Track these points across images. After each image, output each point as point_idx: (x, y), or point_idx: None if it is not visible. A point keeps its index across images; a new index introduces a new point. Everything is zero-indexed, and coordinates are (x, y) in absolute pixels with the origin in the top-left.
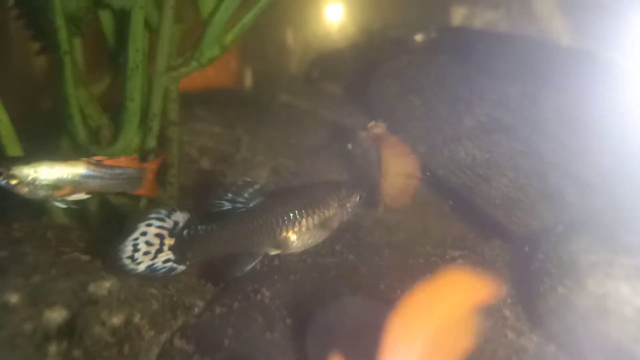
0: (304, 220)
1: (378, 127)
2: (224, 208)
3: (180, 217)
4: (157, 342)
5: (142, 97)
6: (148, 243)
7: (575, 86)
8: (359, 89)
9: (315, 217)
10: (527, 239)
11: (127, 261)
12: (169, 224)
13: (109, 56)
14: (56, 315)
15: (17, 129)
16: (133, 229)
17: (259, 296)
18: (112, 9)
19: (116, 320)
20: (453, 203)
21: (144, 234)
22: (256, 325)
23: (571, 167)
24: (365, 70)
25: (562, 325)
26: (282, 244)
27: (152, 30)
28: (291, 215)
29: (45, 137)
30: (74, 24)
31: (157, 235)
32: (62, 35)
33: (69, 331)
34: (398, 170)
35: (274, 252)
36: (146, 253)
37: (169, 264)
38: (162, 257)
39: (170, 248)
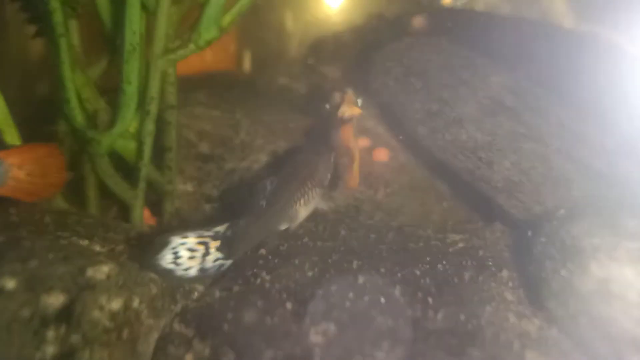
0: (310, 192)
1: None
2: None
3: (222, 227)
4: (156, 327)
5: (139, 80)
6: (191, 250)
7: (577, 68)
8: (360, 72)
9: (317, 187)
10: (529, 222)
11: (171, 266)
12: (210, 233)
13: (106, 39)
14: (54, 300)
15: (13, 113)
16: (167, 241)
17: (258, 280)
18: None
19: (115, 304)
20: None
21: (183, 243)
22: (256, 309)
23: (574, 150)
24: (366, 52)
25: (564, 309)
26: (294, 217)
27: (149, 12)
28: (302, 189)
29: (42, 121)
30: (69, 6)
31: (201, 242)
32: (58, 17)
33: (67, 316)
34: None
35: (284, 227)
36: (192, 258)
37: (219, 262)
38: (211, 258)
39: (218, 249)
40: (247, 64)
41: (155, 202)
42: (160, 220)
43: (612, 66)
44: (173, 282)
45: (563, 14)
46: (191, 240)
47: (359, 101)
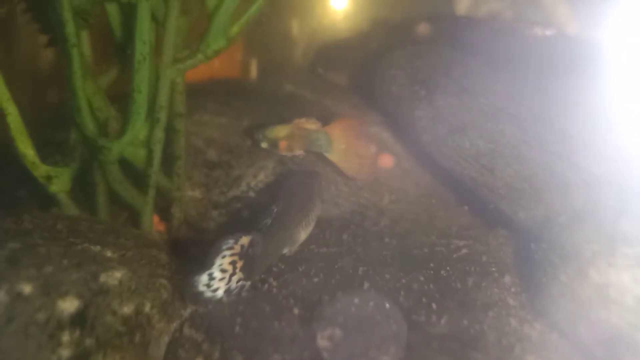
0: (309, 214)
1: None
2: None
3: (246, 239)
4: (167, 331)
5: (149, 89)
6: (223, 270)
7: (579, 75)
8: (365, 79)
9: (314, 210)
10: (531, 228)
11: (203, 288)
12: (237, 249)
13: (116, 48)
14: (68, 305)
15: (26, 121)
16: (210, 264)
17: (266, 286)
18: (119, 2)
19: (127, 309)
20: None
21: (220, 264)
22: (264, 314)
23: (575, 156)
24: (371, 60)
25: (564, 314)
26: (296, 241)
27: (158, 22)
28: (303, 212)
29: (54, 129)
30: (81, 17)
31: (231, 263)
32: (70, 28)
33: (81, 320)
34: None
35: (285, 251)
36: (222, 279)
37: (241, 283)
38: (236, 278)
39: (241, 269)
40: (253, 71)
41: (164, 208)
42: (169, 226)
43: (614, 73)
44: (199, 304)
45: (566, 20)
46: (225, 260)
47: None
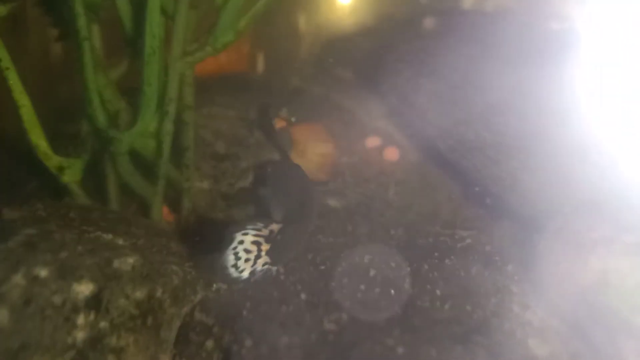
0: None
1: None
2: None
3: (276, 227)
4: (178, 315)
5: (158, 82)
6: (247, 251)
7: (589, 69)
8: (371, 73)
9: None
10: (535, 219)
11: (232, 270)
12: (265, 232)
13: (126, 42)
14: (84, 289)
15: (38, 113)
16: (231, 239)
17: (274, 273)
18: None
19: (139, 294)
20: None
21: (241, 242)
22: (272, 299)
23: (580, 148)
24: (377, 54)
25: (565, 300)
26: None
27: (168, 16)
28: (317, 203)
29: (66, 121)
30: (92, 11)
31: (255, 242)
32: (81, 21)
33: (95, 303)
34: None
35: None
36: (247, 260)
37: (267, 267)
38: (261, 262)
39: (267, 253)
40: (260, 66)
41: (173, 198)
42: (178, 216)
43: (615, 71)
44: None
45: (575, 15)
46: (248, 239)
47: (293, 119)
